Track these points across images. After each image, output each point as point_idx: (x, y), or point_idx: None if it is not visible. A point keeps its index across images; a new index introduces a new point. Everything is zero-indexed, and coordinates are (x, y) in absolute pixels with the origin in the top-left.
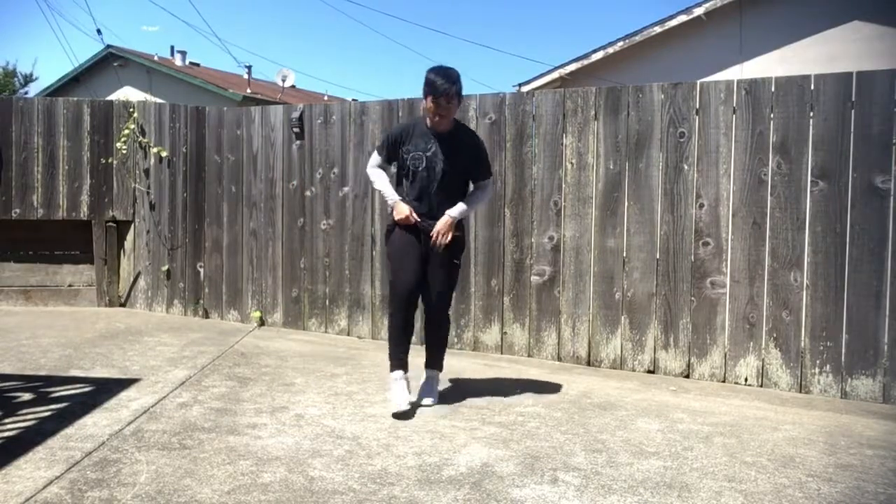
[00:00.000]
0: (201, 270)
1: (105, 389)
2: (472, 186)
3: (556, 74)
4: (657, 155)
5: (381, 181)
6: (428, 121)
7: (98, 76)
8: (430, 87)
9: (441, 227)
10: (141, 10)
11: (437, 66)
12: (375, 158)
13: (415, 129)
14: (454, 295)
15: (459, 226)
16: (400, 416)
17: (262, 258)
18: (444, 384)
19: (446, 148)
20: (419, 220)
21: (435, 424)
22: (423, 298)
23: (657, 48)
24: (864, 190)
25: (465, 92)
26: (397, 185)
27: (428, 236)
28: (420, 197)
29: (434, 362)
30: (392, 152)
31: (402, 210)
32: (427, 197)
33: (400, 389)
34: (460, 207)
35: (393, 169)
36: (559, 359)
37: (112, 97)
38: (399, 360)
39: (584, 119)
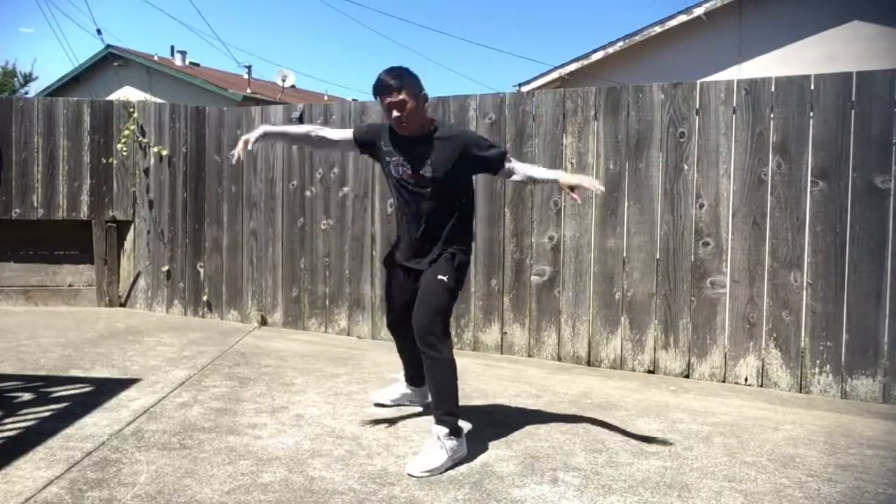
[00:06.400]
0: (201, 270)
1: (105, 389)
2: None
3: (556, 74)
4: (657, 155)
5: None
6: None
7: (98, 76)
8: (373, 89)
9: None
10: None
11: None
12: (341, 131)
13: (390, 131)
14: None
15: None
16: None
17: (262, 258)
18: None
19: (423, 154)
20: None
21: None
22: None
23: (657, 48)
24: (864, 190)
25: (465, 92)
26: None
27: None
28: (411, 220)
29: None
30: (366, 136)
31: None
32: (416, 220)
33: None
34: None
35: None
36: (559, 359)
37: (112, 97)
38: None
39: (584, 119)
